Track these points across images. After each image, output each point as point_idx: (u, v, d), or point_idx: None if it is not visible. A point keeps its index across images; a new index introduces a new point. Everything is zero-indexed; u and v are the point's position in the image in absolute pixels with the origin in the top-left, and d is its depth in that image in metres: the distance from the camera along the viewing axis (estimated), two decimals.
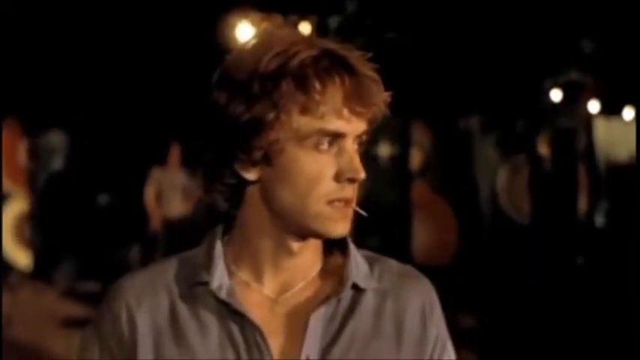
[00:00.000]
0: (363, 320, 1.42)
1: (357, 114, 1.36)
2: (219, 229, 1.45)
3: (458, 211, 13.59)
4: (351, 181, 1.37)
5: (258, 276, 1.41)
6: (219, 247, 1.42)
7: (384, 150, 13.14)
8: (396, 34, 11.17)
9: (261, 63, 1.34)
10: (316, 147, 1.35)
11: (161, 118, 12.16)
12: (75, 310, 9.73)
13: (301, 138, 1.35)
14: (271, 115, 1.33)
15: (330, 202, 1.36)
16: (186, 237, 9.75)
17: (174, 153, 10.65)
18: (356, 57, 1.37)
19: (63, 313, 9.51)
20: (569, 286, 11.31)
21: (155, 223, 10.64)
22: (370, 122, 1.40)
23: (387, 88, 1.41)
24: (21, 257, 12.26)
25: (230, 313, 1.38)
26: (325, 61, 1.35)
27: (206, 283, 1.39)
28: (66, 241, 12.35)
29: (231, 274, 1.41)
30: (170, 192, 10.62)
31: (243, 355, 1.37)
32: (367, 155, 1.48)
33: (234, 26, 11.25)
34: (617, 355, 7.96)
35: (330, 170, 1.36)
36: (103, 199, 12.79)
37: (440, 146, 13.77)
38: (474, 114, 13.83)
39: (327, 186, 1.35)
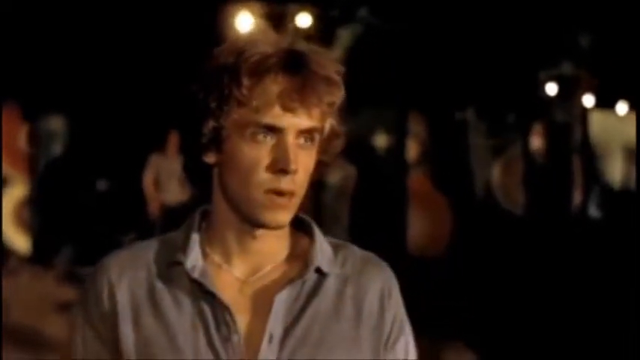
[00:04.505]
0: (324, 302, 1.51)
1: (292, 109, 1.43)
2: (198, 213, 1.56)
3: (453, 201, 13.65)
4: (283, 172, 1.43)
5: (229, 259, 1.51)
6: (195, 230, 1.53)
7: (381, 140, 13.19)
8: (393, 25, 11.22)
9: (221, 58, 1.46)
10: (254, 138, 1.44)
11: (160, 105, 12.19)
12: (73, 294, 9.78)
13: (240, 128, 1.44)
14: (214, 105, 1.44)
15: (267, 192, 1.44)
16: (183, 223, 9.79)
17: (173, 140, 10.67)
18: (316, 57, 1.46)
19: (61, 297, 9.55)
20: (564, 277, 11.36)
21: (153, 209, 10.68)
22: (321, 118, 1.47)
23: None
24: (20, 242, 12.30)
25: (202, 292, 1.48)
26: (272, 60, 1.44)
27: (181, 264, 1.49)
28: (65, 226, 12.38)
29: (205, 256, 1.52)
30: (168, 178, 10.64)
31: (213, 331, 1.47)
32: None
33: (234, 16, 11.33)
34: (612, 347, 8.00)
35: (265, 161, 1.44)
36: (101, 184, 12.84)
37: (436, 137, 13.82)
38: (471, 106, 13.90)
39: (261, 175, 1.44)
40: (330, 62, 1.47)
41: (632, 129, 17.64)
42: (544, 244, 13.75)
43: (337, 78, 1.47)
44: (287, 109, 1.43)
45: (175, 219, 9.33)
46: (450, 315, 8.61)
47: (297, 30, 11.18)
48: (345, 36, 11.19)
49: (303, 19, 11.31)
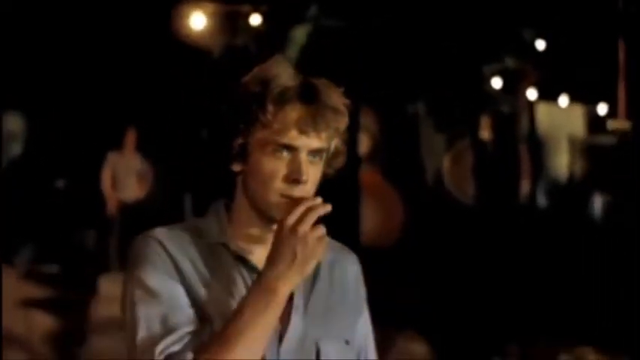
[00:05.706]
0: (322, 282, 1.95)
1: (306, 133, 1.81)
2: (222, 206, 1.94)
3: (405, 194, 13.87)
4: (296, 182, 1.81)
5: (249, 245, 1.90)
6: (225, 219, 1.91)
7: None
8: (343, 23, 11.41)
9: (250, 87, 1.83)
10: (274, 154, 1.81)
11: (117, 103, 12.33)
12: (34, 291, 9.92)
13: (263, 145, 1.82)
14: (242, 126, 1.82)
15: (282, 196, 1.81)
16: (141, 220, 9.93)
17: (130, 137, 10.79)
18: (326, 90, 1.85)
19: (23, 295, 9.66)
20: (513, 265, 11.59)
21: (111, 206, 10.80)
22: (328, 140, 1.87)
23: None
24: None
25: (245, 266, 1.87)
26: (292, 91, 1.81)
27: (224, 244, 1.88)
28: (24, 225, 12.43)
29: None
30: (125, 176, 10.76)
31: None
32: None
33: (187, 15, 11.51)
34: (564, 335, 8.23)
35: (281, 172, 1.81)
36: (60, 183, 12.92)
37: (387, 131, 14.06)
38: (420, 100, 14.13)
39: (278, 184, 1.81)
40: (337, 95, 1.86)
41: (575, 120, 18.12)
42: (494, 232, 14.00)
43: (343, 108, 1.87)
44: (302, 132, 1.82)
45: (133, 216, 9.35)
46: (401, 304, 8.83)
47: (250, 29, 11.39)
48: (297, 35, 11.42)
49: (256, 19, 11.53)
